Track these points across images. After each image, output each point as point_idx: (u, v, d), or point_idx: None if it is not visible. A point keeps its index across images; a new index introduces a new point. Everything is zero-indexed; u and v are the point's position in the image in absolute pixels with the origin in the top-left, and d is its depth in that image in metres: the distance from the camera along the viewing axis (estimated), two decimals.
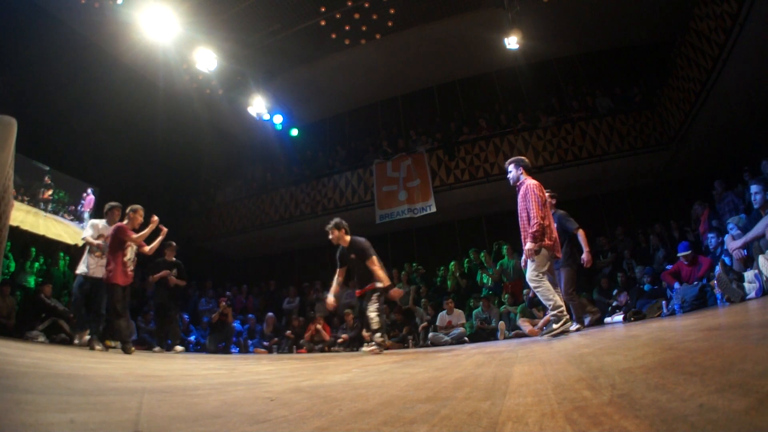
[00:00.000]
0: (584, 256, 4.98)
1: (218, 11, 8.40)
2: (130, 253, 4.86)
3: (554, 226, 4.20)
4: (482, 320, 7.31)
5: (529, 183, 4.17)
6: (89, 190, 10.31)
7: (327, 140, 12.55)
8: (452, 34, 9.78)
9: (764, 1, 5.10)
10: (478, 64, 10.77)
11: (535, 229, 3.99)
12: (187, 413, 0.94)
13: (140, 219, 5.00)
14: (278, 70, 10.47)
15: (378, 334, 4.41)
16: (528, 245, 4.04)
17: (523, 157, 4.49)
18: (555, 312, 3.92)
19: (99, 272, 5.04)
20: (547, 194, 5.46)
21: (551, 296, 3.94)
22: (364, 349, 4.63)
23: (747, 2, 5.26)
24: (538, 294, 4.03)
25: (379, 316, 4.46)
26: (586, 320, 5.29)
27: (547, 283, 3.99)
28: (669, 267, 6.17)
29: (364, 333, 7.80)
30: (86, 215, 10.22)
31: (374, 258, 4.61)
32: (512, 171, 4.36)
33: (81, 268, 5.22)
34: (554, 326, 3.94)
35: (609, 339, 2.71)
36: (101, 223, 5.43)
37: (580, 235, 5.02)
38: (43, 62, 8.25)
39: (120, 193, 10.38)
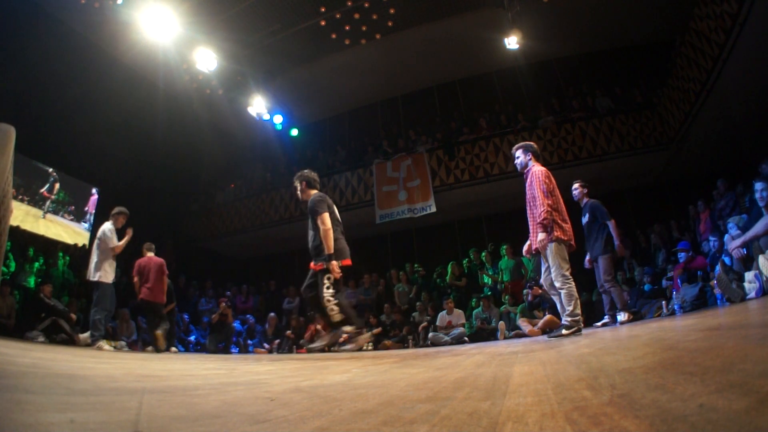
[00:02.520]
0: (616, 246, 5.00)
1: (218, 11, 8.40)
2: None
3: (566, 215, 3.93)
4: (482, 320, 7.31)
5: (536, 170, 3.94)
6: (93, 190, 10.34)
7: (327, 140, 12.55)
8: (452, 34, 9.78)
9: (764, 1, 5.10)
10: (478, 64, 10.77)
11: (543, 217, 3.74)
12: (187, 413, 0.94)
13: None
14: (278, 70, 10.47)
15: (347, 327, 3.53)
16: (540, 236, 3.79)
17: (531, 143, 4.27)
18: (570, 319, 3.68)
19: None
20: (577, 184, 5.39)
21: (572, 301, 3.69)
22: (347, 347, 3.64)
23: (747, 2, 5.26)
24: (561, 293, 3.75)
25: (337, 303, 3.51)
26: (606, 318, 5.13)
27: (573, 286, 3.73)
28: (669, 267, 6.17)
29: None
30: (88, 215, 10.24)
31: (324, 217, 3.58)
32: (520, 156, 4.10)
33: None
34: (564, 331, 3.69)
35: (609, 339, 2.71)
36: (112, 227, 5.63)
37: (611, 224, 4.99)
38: (43, 62, 8.26)
39: (120, 193, 10.41)
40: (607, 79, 9.70)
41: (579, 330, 3.73)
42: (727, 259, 4.90)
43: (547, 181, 3.88)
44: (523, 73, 10.27)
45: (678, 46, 7.45)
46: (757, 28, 5.37)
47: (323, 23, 9.13)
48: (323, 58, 10.33)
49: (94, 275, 5.30)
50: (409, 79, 11.41)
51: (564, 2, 8.81)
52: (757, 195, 4.52)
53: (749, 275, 4.36)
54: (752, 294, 4.26)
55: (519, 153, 4.14)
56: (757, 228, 4.39)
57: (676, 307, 5.37)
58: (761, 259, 4.23)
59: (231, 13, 8.55)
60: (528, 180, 4.00)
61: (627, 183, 9.31)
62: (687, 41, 6.99)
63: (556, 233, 3.79)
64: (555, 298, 3.96)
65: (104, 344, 5.11)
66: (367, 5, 8.80)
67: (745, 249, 4.61)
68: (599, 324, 5.17)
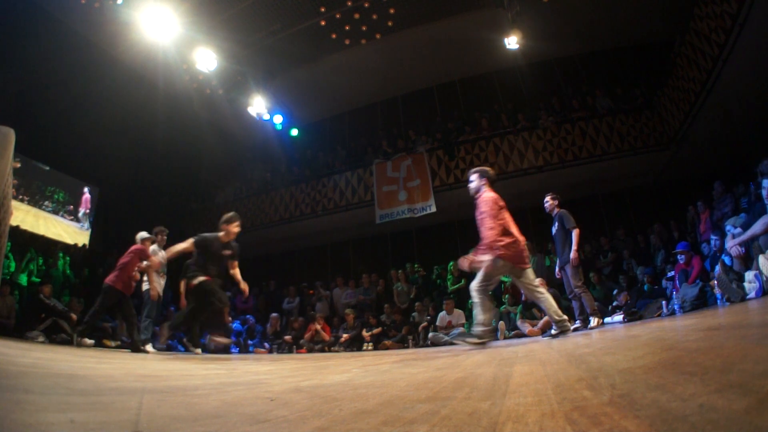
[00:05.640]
0: (571, 254, 5.12)
1: (218, 11, 8.40)
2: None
3: (515, 233, 3.91)
4: None
5: (485, 197, 3.91)
6: (86, 189, 10.31)
7: (327, 140, 12.55)
8: (452, 34, 9.77)
9: (764, 1, 5.10)
10: (478, 64, 10.77)
11: (489, 241, 3.74)
12: (187, 413, 0.94)
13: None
14: (278, 70, 10.47)
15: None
16: (481, 257, 3.80)
17: (487, 168, 4.21)
18: (481, 329, 3.71)
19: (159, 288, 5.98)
20: (548, 196, 5.58)
21: (484, 313, 3.72)
22: None
23: (747, 2, 5.26)
24: (473, 301, 3.79)
25: None
26: (589, 321, 5.23)
27: (485, 297, 3.77)
28: (669, 267, 6.16)
29: (364, 333, 7.78)
30: (81, 214, 10.21)
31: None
32: (474, 181, 4.04)
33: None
34: (552, 332, 3.92)
35: (609, 339, 2.71)
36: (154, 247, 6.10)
37: (574, 234, 5.18)
38: (43, 62, 8.26)
39: (120, 193, 10.42)
40: (607, 79, 9.70)
41: (568, 330, 3.86)
42: (727, 259, 4.89)
43: (494, 207, 3.86)
44: (523, 73, 10.27)
45: (678, 46, 7.45)
46: (757, 28, 5.37)
47: (323, 23, 9.13)
48: (323, 58, 10.33)
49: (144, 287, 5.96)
50: (409, 79, 11.40)
51: (564, 2, 8.81)
52: (765, 192, 4.50)
53: (749, 275, 4.35)
54: (752, 294, 4.26)
55: (474, 177, 4.08)
56: (756, 227, 4.39)
57: (676, 307, 5.37)
58: (761, 258, 4.23)
59: (231, 13, 8.55)
60: (478, 205, 3.97)
61: (627, 183, 9.31)
62: (687, 41, 6.99)
63: (499, 252, 3.77)
64: (542, 305, 4.01)
65: (149, 347, 5.45)
66: (367, 5, 8.80)
67: (743, 248, 4.60)
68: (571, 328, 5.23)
